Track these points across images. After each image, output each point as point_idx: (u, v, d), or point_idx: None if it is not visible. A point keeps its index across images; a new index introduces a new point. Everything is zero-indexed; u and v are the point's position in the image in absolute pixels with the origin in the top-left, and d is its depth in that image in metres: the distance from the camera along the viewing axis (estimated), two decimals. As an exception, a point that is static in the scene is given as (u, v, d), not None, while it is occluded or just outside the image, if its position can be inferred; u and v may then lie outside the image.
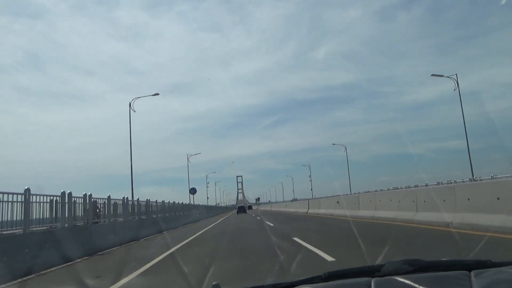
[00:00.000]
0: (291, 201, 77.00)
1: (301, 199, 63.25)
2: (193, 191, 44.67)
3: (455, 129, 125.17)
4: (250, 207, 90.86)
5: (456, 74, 30.12)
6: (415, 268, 1.53)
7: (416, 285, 1.35)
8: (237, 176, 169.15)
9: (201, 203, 52.42)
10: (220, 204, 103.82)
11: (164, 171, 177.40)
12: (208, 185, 72.80)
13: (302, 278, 1.58)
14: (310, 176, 72.13)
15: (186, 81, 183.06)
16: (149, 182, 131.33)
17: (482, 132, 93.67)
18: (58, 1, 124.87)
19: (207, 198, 71.42)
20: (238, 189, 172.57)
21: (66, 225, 9.66)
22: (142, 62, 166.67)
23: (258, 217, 27.38)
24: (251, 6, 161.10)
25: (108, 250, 10.87)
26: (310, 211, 27.61)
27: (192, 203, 40.37)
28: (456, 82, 30.23)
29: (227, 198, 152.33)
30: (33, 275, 6.81)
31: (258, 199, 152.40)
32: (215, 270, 5.71)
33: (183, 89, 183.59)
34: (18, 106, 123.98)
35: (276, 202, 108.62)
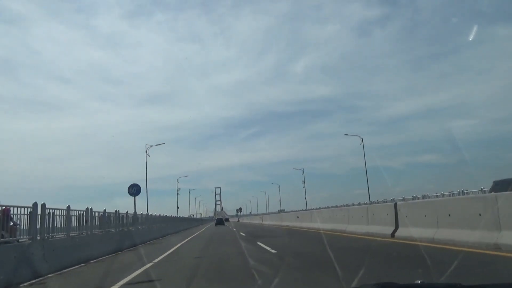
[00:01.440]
0: (278, 212, 77.48)
1: (289, 211, 62.92)
2: (135, 190, 25.82)
3: (428, 143, 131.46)
4: (227, 220, 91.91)
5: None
6: None
7: None
8: (215, 188, 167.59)
9: (173, 215, 51.24)
10: (194, 216, 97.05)
11: (140, 181, 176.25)
12: (178, 191, 62.56)
13: None
14: (277, 190, 75.24)
15: (164, 91, 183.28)
16: (124, 193, 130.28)
17: (454, 147, 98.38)
18: (34, 7, 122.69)
19: (177, 207, 61.23)
20: (216, 200, 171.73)
21: None
22: (120, 71, 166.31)
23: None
24: (231, 18, 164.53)
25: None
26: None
27: (148, 213, 26.45)
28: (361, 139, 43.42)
29: (205, 209, 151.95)
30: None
31: (239, 209, 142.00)
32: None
33: (161, 99, 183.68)
34: None
35: (258, 214, 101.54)
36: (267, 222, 39.76)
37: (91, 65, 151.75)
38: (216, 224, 57.94)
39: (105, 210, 15.25)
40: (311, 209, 41.81)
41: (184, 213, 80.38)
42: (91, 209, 13.40)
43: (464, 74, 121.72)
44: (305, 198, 65.71)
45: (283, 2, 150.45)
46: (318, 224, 18.41)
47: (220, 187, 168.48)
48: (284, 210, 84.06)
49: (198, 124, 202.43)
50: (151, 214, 27.02)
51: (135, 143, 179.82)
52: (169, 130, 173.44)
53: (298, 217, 25.10)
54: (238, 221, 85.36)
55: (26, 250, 8.40)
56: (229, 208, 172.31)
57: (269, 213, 76.71)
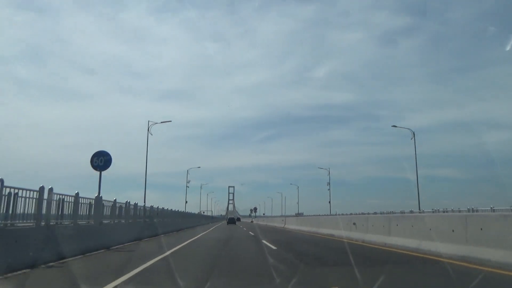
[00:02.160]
0: (296, 215, 70.56)
1: (307, 215, 60.01)
2: (101, 161, 14.47)
3: (447, 157, 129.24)
4: (238, 219, 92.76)
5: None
6: None
7: None
8: (229, 186, 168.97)
9: (190, 211, 51.92)
10: (205, 213, 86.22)
11: (155, 175, 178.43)
12: (188, 184, 58.54)
13: None
14: (290, 194, 70.47)
15: (185, 88, 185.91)
16: (139, 187, 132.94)
17: (476, 163, 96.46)
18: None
19: (186, 202, 56.47)
20: (229, 199, 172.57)
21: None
22: (142, 66, 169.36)
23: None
24: (256, 20, 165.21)
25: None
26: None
27: (130, 203, 17.37)
28: (413, 133, 37.82)
29: (217, 208, 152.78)
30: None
31: (254, 209, 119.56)
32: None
33: (181, 95, 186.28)
34: (14, 98, 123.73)
35: (273, 216, 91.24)
36: (292, 226, 31.19)
37: (115, 57, 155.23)
38: (228, 223, 59.60)
39: (127, 202, 16.70)
40: (350, 214, 36.86)
41: (195, 209, 77.68)
42: (115, 200, 14.94)
43: (490, 90, 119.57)
44: (329, 202, 59.28)
45: (310, 6, 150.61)
46: (328, 230, 18.74)
47: (234, 186, 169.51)
48: (302, 213, 78.39)
49: (216, 123, 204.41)
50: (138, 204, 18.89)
51: (152, 137, 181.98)
52: (187, 126, 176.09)
53: (355, 223, 16.49)
54: (252, 221, 77.06)
55: (53, 232, 9.15)
56: (242, 208, 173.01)
57: (294, 215, 67.77)
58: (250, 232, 24.74)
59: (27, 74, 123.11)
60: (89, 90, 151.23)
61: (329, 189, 60.12)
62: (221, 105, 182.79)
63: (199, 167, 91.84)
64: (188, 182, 58.31)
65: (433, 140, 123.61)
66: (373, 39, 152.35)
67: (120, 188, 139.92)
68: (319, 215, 44.53)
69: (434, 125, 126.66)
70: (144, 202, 29.90)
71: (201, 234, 22.79)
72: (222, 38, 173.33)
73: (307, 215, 59.42)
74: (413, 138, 37.82)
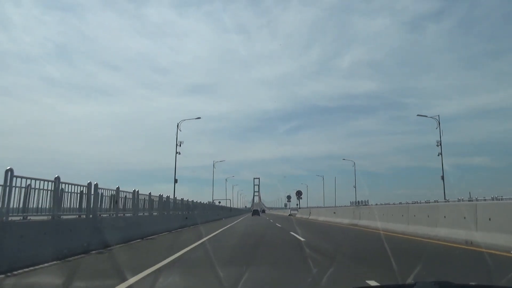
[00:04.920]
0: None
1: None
2: None
3: (478, 146, 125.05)
4: (263, 211, 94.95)
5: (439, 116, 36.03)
6: None
7: None
8: (254, 178, 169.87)
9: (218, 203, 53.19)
10: (220, 203, 64.27)
11: (182, 169, 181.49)
12: (214, 167, 61.20)
13: None
14: (316, 186, 61.99)
15: (208, 82, 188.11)
16: (166, 180, 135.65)
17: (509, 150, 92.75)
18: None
19: (213, 194, 59.39)
20: (254, 191, 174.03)
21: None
22: (166, 60, 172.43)
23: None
24: (278, 10, 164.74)
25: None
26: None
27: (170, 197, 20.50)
28: (438, 122, 36.41)
29: (243, 200, 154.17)
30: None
31: (298, 193, 61.34)
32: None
33: (205, 89, 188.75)
34: (43, 96, 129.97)
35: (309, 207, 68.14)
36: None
37: (139, 53, 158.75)
38: (252, 215, 62.20)
39: (168, 196, 19.53)
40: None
41: (222, 202, 73.32)
42: (150, 193, 16.52)
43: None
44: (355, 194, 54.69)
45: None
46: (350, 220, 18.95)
47: (259, 178, 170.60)
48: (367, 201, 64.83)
49: (240, 116, 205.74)
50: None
51: (179, 132, 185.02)
52: (211, 120, 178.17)
53: (334, 212, 19.28)
54: (291, 215, 49.86)
55: (101, 223, 10.28)
56: (267, 200, 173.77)
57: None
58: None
59: (56, 72, 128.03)
60: (115, 86, 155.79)
61: (354, 186, 57.33)
62: (245, 98, 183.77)
63: (224, 160, 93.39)
64: (214, 165, 60.34)
65: (463, 128, 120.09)
66: (399, 24, 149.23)
67: (147, 181, 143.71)
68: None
69: (464, 112, 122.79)
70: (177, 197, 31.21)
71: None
72: (244, 30, 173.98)
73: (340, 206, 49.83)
74: (438, 127, 36.64)
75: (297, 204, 58.68)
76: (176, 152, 36.25)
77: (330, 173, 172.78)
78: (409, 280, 4.18)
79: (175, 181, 36.22)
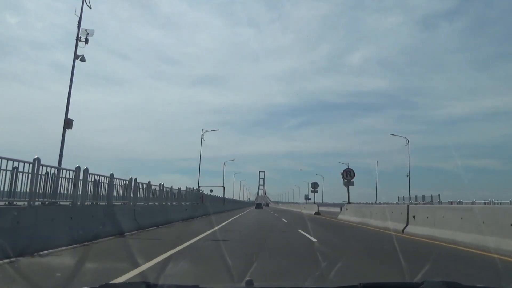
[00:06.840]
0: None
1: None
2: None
3: (487, 148, 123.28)
4: (267, 205, 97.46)
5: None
6: None
7: None
8: (259, 171, 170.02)
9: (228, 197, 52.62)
10: (212, 193, 43.42)
11: (188, 160, 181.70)
12: (225, 164, 57.68)
13: (337, 286, 1.60)
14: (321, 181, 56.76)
15: (217, 74, 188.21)
16: (170, 170, 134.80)
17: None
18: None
19: (223, 188, 50.30)
20: (259, 184, 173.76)
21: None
22: (176, 51, 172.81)
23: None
24: (289, 4, 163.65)
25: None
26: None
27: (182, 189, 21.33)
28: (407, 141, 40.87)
29: (248, 193, 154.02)
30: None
31: (314, 185, 41.12)
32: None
33: (213, 81, 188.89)
34: (53, 83, 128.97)
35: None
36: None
37: (149, 43, 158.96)
38: (256, 207, 66.41)
39: (179, 188, 20.78)
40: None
41: (228, 195, 76.80)
42: (162, 184, 17.39)
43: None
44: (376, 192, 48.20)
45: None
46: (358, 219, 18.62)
47: (264, 171, 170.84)
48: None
49: (247, 109, 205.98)
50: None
51: (184, 123, 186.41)
52: (218, 112, 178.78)
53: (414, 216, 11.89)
54: (318, 213, 31.28)
55: (115, 211, 10.66)
56: (272, 194, 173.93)
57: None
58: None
59: (66, 59, 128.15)
60: (124, 75, 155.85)
61: (407, 175, 42.12)
62: (253, 91, 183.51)
63: (234, 159, 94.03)
64: (225, 163, 58.66)
65: (472, 129, 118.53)
66: (411, 23, 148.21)
67: (151, 170, 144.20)
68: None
69: (473, 113, 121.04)
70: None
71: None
72: (255, 24, 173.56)
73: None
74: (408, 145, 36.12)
75: (310, 198, 49.34)
76: (200, 159, 41.34)
77: (334, 169, 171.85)
78: None
79: (199, 180, 40.25)
